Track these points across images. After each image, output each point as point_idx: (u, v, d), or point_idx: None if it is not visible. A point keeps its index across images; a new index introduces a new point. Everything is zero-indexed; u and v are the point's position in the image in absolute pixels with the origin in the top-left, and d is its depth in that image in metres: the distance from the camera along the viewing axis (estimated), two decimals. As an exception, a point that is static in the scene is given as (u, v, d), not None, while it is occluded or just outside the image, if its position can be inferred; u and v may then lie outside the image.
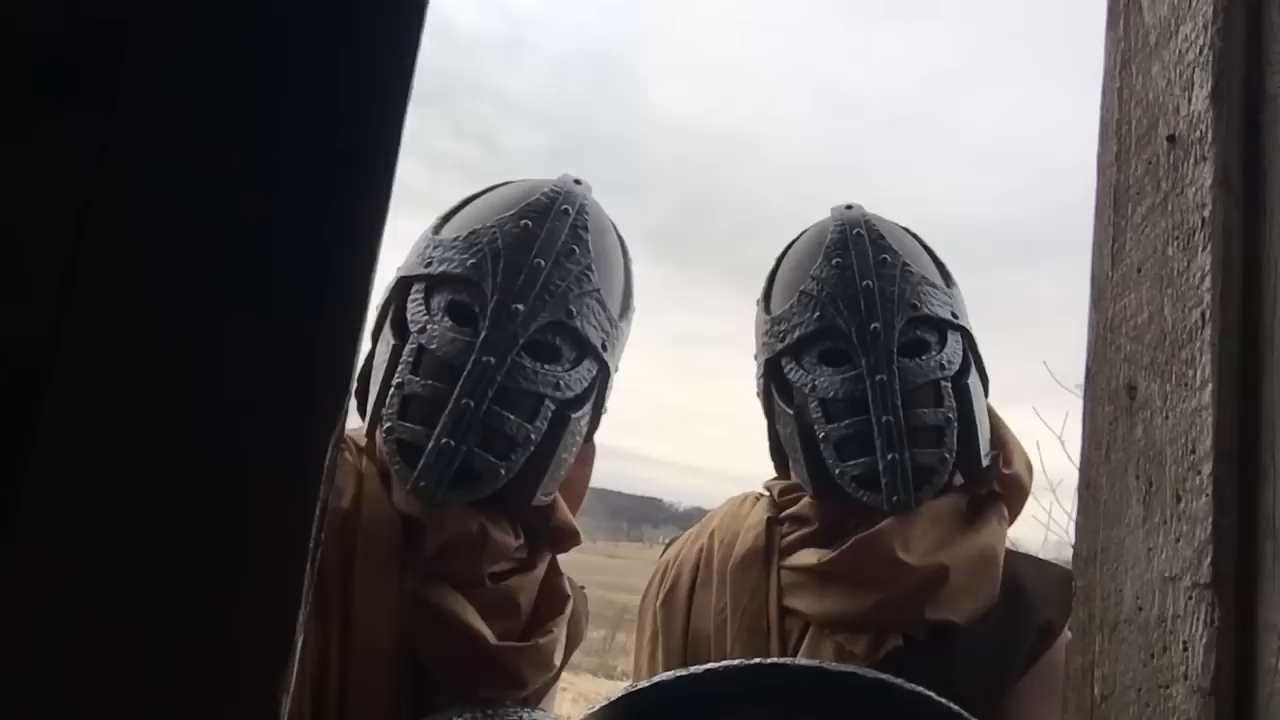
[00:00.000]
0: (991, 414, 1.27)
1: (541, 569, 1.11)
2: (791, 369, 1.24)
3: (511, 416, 1.02)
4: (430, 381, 1.02)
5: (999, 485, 1.23)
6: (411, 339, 1.05)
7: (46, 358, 0.34)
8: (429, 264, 1.07)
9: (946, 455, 1.16)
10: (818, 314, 1.22)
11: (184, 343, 0.36)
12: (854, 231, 1.24)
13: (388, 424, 1.02)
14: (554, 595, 1.11)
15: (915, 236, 1.30)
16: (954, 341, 1.21)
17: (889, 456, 1.14)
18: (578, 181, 1.14)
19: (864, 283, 1.20)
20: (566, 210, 1.09)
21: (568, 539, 1.14)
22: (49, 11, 0.36)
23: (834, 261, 1.23)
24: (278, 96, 0.38)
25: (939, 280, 1.25)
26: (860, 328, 1.18)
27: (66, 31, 0.36)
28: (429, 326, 1.04)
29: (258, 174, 0.37)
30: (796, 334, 1.23)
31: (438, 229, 1.12)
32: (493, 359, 1.00)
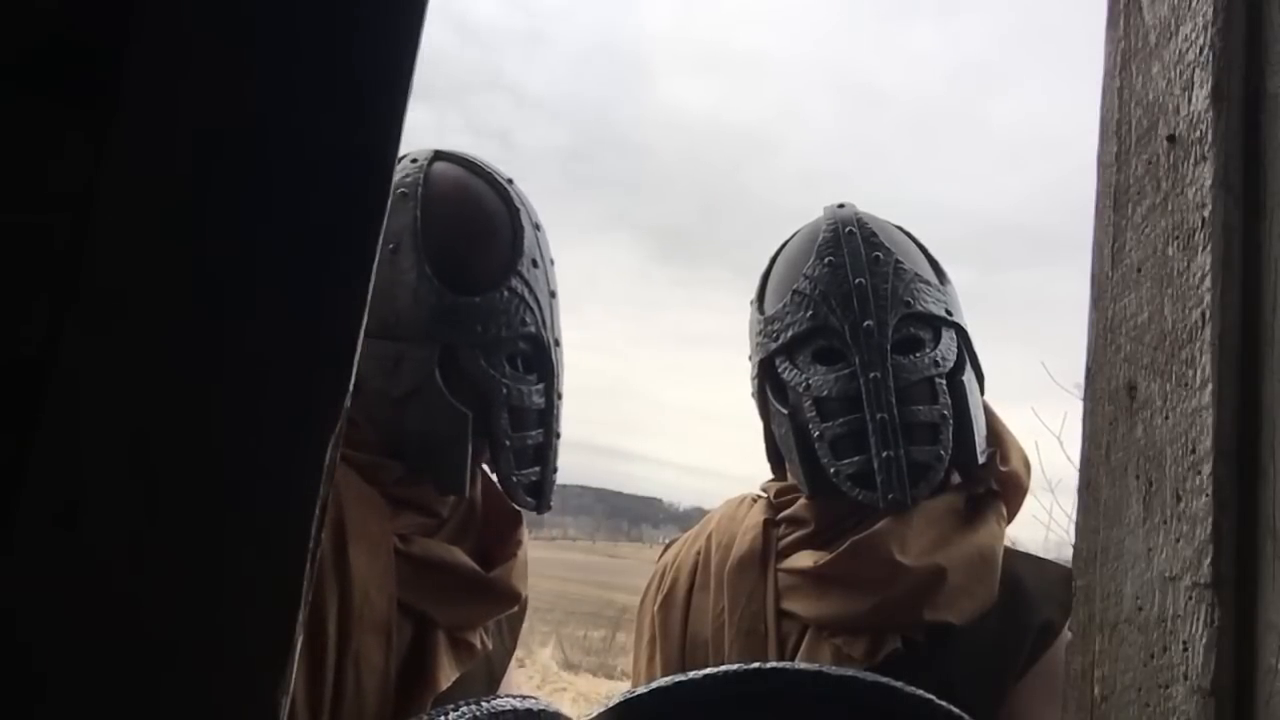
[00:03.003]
0: (988, 411, 1.27)
1: (479, 484, 1.16)
2: (785, 368, 1.24)
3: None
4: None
5: (996, 483, 1.23)
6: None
7: (47, 357, 0.34)
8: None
9: (942, 452, 1.16)
10: (810, 313, 1.22)
11: (183, 343, 0.36)
12: (846, 230, 1.25)
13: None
14: (505, 510, 1.17)
15: (909, 235, 1.30)
16: (948, 338, 1.21)
17: (884, 454, 1.14)
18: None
19: (856, 280, 1.20)
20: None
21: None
22: (49, 11, 0.36)
23: (826, 260, 1.23)
24: (277, 95, 0.38)
25: (932, 277, 1.24)
26: (853, 325, 1.19)
27: (66, 30, 0.36)
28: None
29: (256, 172, 0.37)
30: (790, 333, 1.24)
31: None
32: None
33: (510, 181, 1.16)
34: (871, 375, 1.16)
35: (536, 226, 1.15)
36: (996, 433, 1.26)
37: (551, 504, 1.15)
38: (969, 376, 1.22)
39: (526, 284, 1.11)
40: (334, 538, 1.01)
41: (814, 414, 1.20)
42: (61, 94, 0.36)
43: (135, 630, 0.34)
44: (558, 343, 1.15)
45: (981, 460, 1.21)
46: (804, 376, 1.22)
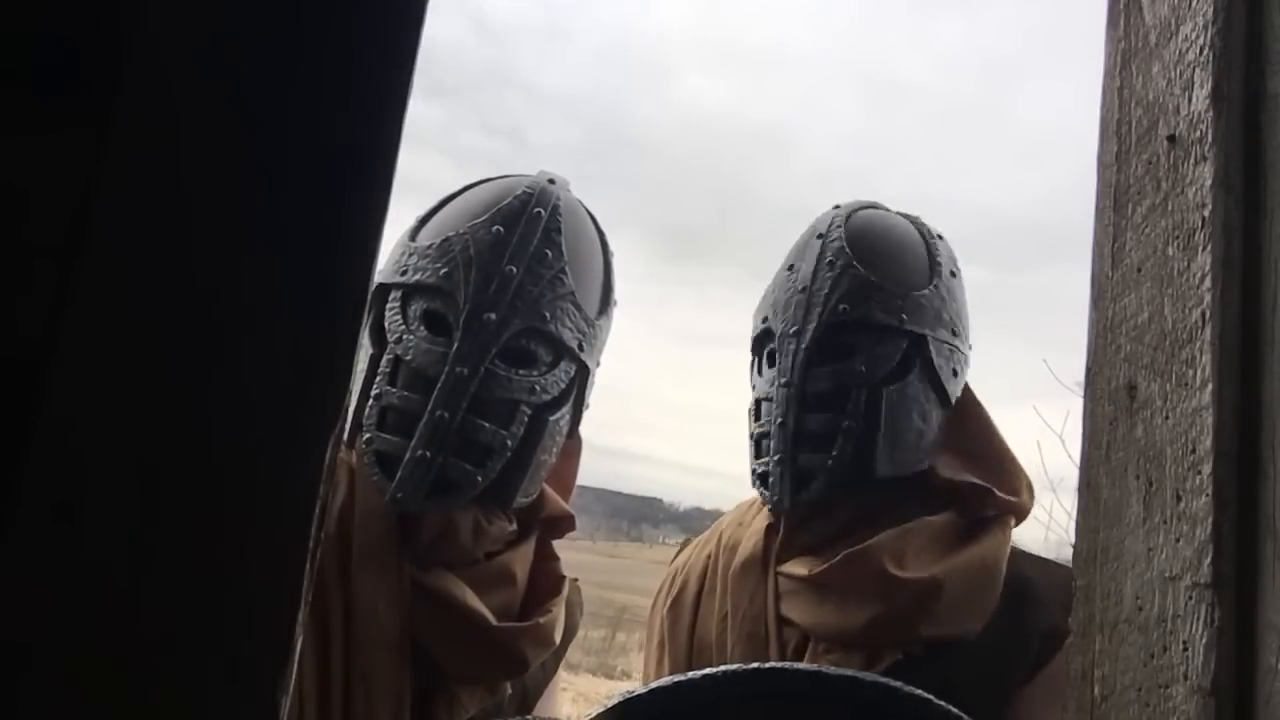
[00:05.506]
0: (997, 439, 1.23)
1: (532, 543, 1.13)
2: (751, 371, 1.31)
3: (486, 425, 1.03)
4: (406, 393, 1.03)
5: (995, 508, 1.20)
6: (389, 349, 1.06)
7: (45, 356, 0.34)
8: (404, 272, 1.08)
9: (829, 461, 1.16)
10: (764, 318, 1.28)
11: (182, 342, 0.36)
12: (816, 235, 1.27)
13: (367, 435, 1.04)
14: (550, 577, 1.14)
15: (919, 227, 1.28)
16: (891, 347, 1.19)
17: (776, 458, 1.19)
18: (551, 181, 1.15)
19: (801, 286, 1.23)
20: (539, 213, 1.09)
21: (563, 525, 1.17)
22: (49, 11, 0.36)
23: (789, 266, 1.28)
24: (277, 94, 0.38)
25: (910, 281, 1.22)
26: (783, 332, 1.23)
27: (66, 31, 0.36)
28: (405, 337, 1.06)
29: (256, 172, 0.37)
30: (752, 338, 1.30)
31: (414, 234, 1.13)
32: (465, 370, 1.02)
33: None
34: (783, 381, 1.20)
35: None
36: (998, 458, 1.22)
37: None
38: (910, 387, 1.18)
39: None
40: (339, 555, 1.00)
41: (752, 414, 1.27)
42: (60, 94, 0.36)
43: (133, 628, 0.34)
44: None
45: (917, 470, 1.18)
46: (755, 379, 1.28)
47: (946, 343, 1.22)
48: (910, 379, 1.19)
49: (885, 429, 1.17)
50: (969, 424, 1.23)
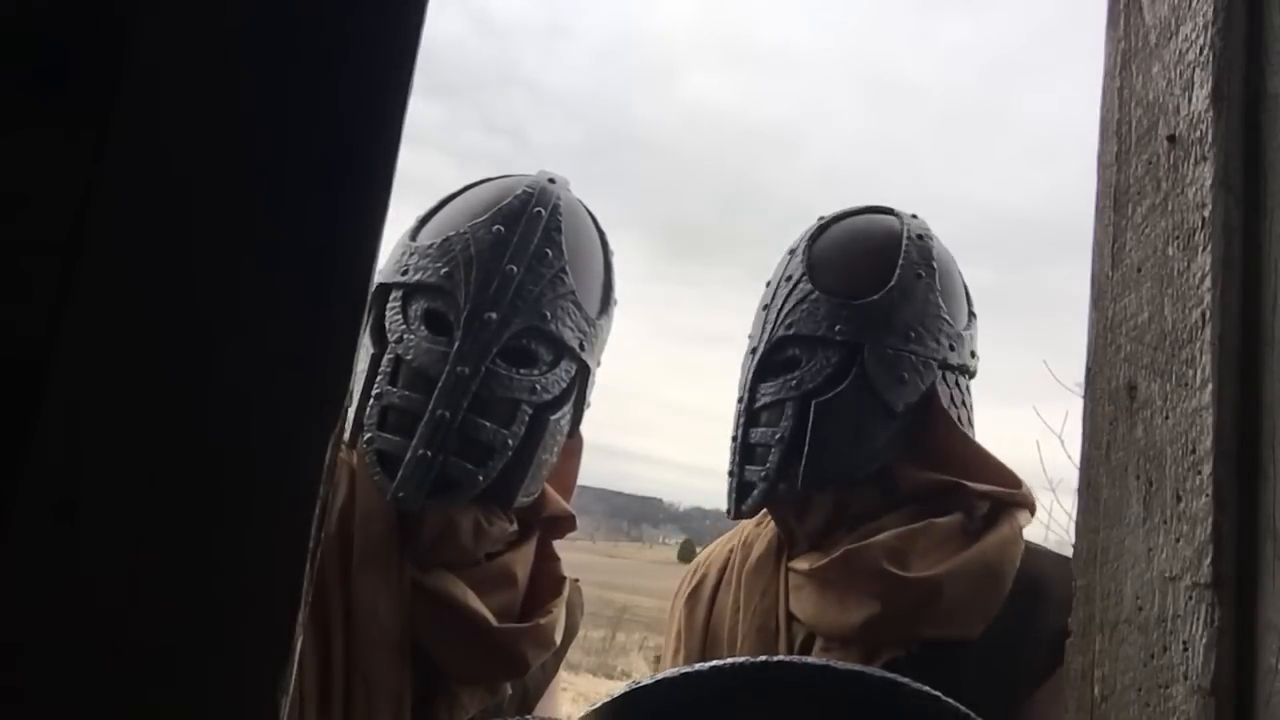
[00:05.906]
0: (955, 435, 1.21)
1: (533, 544, 1.13)
2: None
3: (488, 424, 1.03)
4: (407, 392, 1.04)
5: (994, 501, 1.19)
6: (389, 349, 1.07)
7: (44, 357, 0.34)
8: (405, 272, 1.09)
9: (766, 472, 1.19)
10: (749, 335, 1.31)
11: (182, 343, 0.36)
12: (790, 250, 1.30)
13: (368, 434, 1.05)
14: (551, 577, 1.14)
15: (905, 228, 1.25)
16: (824, 359, 1.18)
17: (729, 470, 1.25)
18: (552, 180, 1.15)
19: (764, 304, 1.28)
20: (539, 212, 1.10)
21: (563, 525, 1.18)
22: (48, 11, 0.36)
23: (768, 282, 1.31)
24: (276, 95, 0.38)
25: (855, 290, 1.20)
26: (747, 349, 1.28)
27: (66, 32, 0.36)
28: (405, 336, 1.06)
29: (255, 172, 0.37)
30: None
31: (414, 234, 1.13)
32: (466, 369, 1.02)
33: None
34: (738, 397, 1.26)
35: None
36: (962, 459, 1.19)
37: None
38: (839, 397, 1.17)
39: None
40: (339, 555, 1.00)
41: None
42: (60, 94, 0.36)
43: (133, 629, 0.34)
44: None
45: (857, 476, 1.18)
46: None
47: (894, 349, 1.18)
48: (843, 390, 1.17)
49: (811, 441, 1.17)
50: (930, 427, 1.20)
